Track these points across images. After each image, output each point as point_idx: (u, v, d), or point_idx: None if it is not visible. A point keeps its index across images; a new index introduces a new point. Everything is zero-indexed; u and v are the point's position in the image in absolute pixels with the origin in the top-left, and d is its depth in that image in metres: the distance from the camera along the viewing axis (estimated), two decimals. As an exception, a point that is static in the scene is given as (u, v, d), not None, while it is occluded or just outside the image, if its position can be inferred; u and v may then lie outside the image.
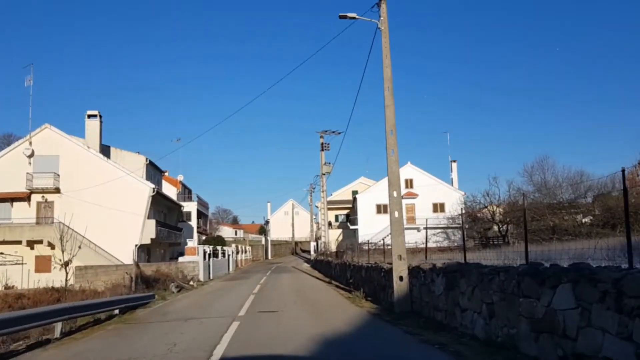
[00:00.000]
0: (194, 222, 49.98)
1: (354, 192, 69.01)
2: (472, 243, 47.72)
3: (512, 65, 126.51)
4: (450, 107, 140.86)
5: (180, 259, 28.94)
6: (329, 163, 50.11)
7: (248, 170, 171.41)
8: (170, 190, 48.62)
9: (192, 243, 29.66)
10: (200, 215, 56.30)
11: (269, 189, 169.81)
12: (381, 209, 54.49)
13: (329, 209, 71.61)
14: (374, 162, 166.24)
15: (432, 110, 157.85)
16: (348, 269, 23.41)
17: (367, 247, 33.03)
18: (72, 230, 32.22)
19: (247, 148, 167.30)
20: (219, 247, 36.70)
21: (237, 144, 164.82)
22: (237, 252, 49.76)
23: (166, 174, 52.98)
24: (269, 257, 69.06)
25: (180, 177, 51.47)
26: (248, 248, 58.88)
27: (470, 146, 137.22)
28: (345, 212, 68.61)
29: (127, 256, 31.58)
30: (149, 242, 32.10)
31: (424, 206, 53.97)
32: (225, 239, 52.35)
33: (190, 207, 50.00)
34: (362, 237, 50.28)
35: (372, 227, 51.66)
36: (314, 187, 56.57)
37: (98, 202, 31.49)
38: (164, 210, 41.54)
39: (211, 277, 31.93)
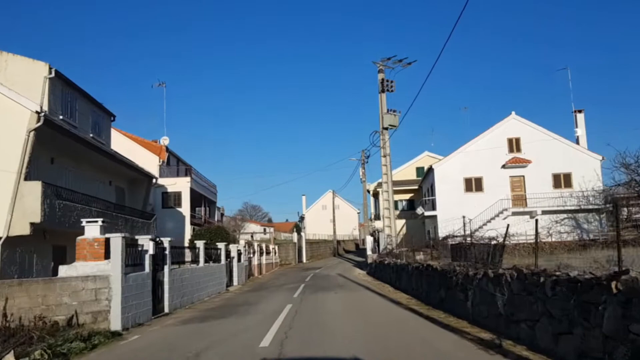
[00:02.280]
0: (185, 207, 32.54)
1: (420, 170, 50.35)
2: (630, 234, 28.60)
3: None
4: (569, 33, 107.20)
5: (63, 270, 11.13)
6: (394, 111, 31.77)
7: (277, 153, 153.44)
8: (148, 161, 31.41)
9: (146, 236, 12.16)
10: (205, 201, 38.97)
11: (303, 177, 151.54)
12: (472, 184, 35.76)
13: (385, 192, 53.10)
14: (441, 133, 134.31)
15: (539, 34, 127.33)
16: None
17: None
18: None
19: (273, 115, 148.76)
20: (199, 244, 18.77)
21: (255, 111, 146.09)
22: (253, 254, 32.04)
23: (155, 142, 35.68)
24: (304, 259, 51.19)
25: (164, 141, 34.03)
26: (273, 247, 41.15)
27: (602, 89, 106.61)
28: (407, 196, 50.05)
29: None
30: (26, 231, 14.46)
31: (538, 179, 34.94)
32: (231, 233, 34.65)
33: (180, 185, 32.57)
34: (444, 226, 31.89)
35: (458, 212, 33.19)
36: (367, 155, 38.48)
37: None
38: (116, 182, 24.16)
39: (166, 310, 14.06)
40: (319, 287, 21.21)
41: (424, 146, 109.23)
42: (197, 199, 36.77)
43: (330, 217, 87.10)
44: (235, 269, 24.59)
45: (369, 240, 33.55)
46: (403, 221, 47.59)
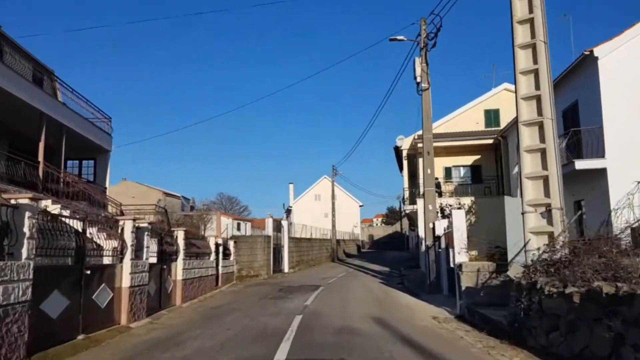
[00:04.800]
0: None
1: (492, 114, 29.32)
2: None
3: None
4: None
5: None
6: None
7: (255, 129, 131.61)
8: None
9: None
10: (72, 143, 17.65)
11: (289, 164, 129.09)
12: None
13: (438, 152, 31.99)
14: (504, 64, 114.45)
15: None
16: None
17: None
18: None
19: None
20: None
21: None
22: (113, 256, 10.73)
23: None
24: (285, 267, 29.97)
25: None
26: (217, 242, 19.93)
27: None
28: (469, 159, 29.05)
29: None
30: None
31: None
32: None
33: None
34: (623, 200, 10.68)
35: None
36: (433, 29, 17.61)
37: None
38: None
39: None
40: None
41: (478, 91, 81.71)
42: (49, 133, 15.58)
43: (325, 210, 66.45)
44: None
45: (459, 225, 12.20)
46: (457, 201, 26.13)
